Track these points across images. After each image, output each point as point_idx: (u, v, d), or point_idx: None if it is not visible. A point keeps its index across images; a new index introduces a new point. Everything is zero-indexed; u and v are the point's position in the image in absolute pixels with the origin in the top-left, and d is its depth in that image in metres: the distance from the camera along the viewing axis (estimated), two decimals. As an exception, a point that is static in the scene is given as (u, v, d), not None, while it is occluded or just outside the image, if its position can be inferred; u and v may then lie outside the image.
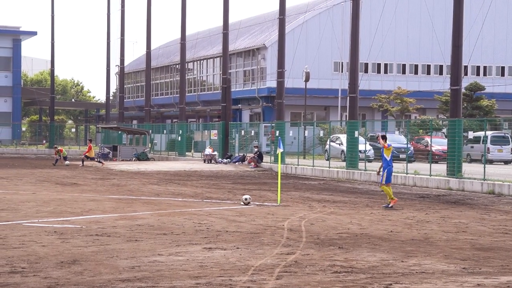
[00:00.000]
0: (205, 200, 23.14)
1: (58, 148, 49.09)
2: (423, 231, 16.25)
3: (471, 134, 42.55)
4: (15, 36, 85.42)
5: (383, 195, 26.74)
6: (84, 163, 46.02)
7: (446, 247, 13.89)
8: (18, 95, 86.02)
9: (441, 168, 33.13)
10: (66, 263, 11.51)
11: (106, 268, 11.12)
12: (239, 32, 78.21)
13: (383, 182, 21.83)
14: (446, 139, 34.75)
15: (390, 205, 21.55)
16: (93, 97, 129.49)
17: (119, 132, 66.72)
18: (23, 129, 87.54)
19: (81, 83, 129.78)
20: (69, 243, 13.50)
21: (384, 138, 22.53)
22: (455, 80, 32.04)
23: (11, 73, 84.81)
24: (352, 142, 37.80)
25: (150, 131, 61.86)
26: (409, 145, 38.82)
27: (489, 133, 42.94)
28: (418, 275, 10.97)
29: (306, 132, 49.50)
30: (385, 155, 22.07)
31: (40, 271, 10.83)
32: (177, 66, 76.08)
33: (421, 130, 48.61)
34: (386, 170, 21.75)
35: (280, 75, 46.32)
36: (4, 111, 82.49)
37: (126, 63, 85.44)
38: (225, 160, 48.16)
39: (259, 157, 44.97)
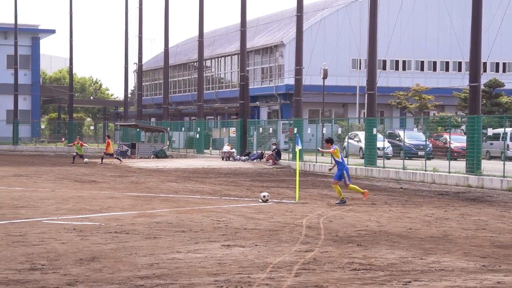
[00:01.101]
0: (223, 198, 23.16)
1: (80, 141, 48.68)
2: (442, 228, 16.18)
3: (490, 131, 42.36)
4: (34, 35, 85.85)
5: (402, 192, 26.68)
6: (103, 160, 46.10)
7: (466, 244, 13.83)
8: (37, 93, 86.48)
9: (460, 165, 32.99)
10: (85, 260, 11.55)
11: (125, 265, 11.15)
12: (257, 30, 78.19)
13: (348, 182, 21.73)
14: (465, 136, 34.60)
15: (364, 198, 21.93)
16: (111, 95, 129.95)
17: (138, 129, 66.90)
18: (42, 127, 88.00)
19: (99, 81, 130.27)
20: (88, 240, 13.55)
21: (329, 141, 22.47)
22: (474, 76, 31.90)
23: (30, 71, 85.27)
24: (371, 139, 37.69)
25: (168, 128, 61.98)
26: (427, 142, 38.67)
27: (509, 129, 42.69)
28: (437, 273, 10.92)
29: (324, 129, 49.45)
30: (335, 157, 21.94)
31: (60, 268, 10.88)
32: (195, 63, 76.27)
33: (440, 127, 48.46)
34: (344, 171, 21.68)
35: (298, 72, 46.32)
36: (24, 109, 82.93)
37: (144, 61, 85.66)
38: (243, 158, 48.19)
39: (277, 154, 44.96)
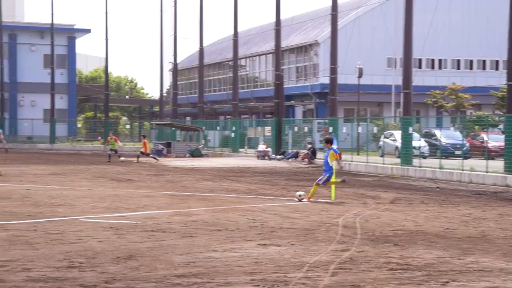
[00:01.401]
0: (259, 197, 23.14)
1: (114, 136, 48.69)
2: (480, 228, 16.03)
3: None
4: (70, 34, 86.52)
5: (439, 191, 26.50)
6: (139, 159, 46.26)
7: (504, 244, 13.68)
8: (74, 92, 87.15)
9: (498, 164, 32.66)
10: (122, 258, 11.61)
11: (162, 264, 11.19)
12: (292, 28, 78.13)
13: (321, 184, 21.45)
14: (503, 135, 34.26)
15: (303, 200, 21.38)
16: (146, 94, 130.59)
17: (173, 128, 67.16)
18: (79, 125, 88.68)
19: (134, 80, 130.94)
20: (125, 239, 13.61)
21: (329, 141, 22.01)
22: (512, 75, 31.57)
23: (67, 71, 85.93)
24: (407, 139, 37.48)
25: (204, 127, 62.13)
26: (464, 142, 38.37)
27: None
28: (475, 273, 10.82)
29: (360, 128, 49.28)
30: (328, 160, 21.64)
31: (97, 266, 10.95)
32: (230, 62, 76.35)
33: (477, 126, 48.04)
34: (328, 174, 21.42)
35: (333, 71, 46.22)
36: (60, 108, 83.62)
37: (179, 60, 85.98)
38: (278, 157, 48.17)
39: (313, 153, 44.87)
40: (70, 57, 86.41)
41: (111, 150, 47.85)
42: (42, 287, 9.63)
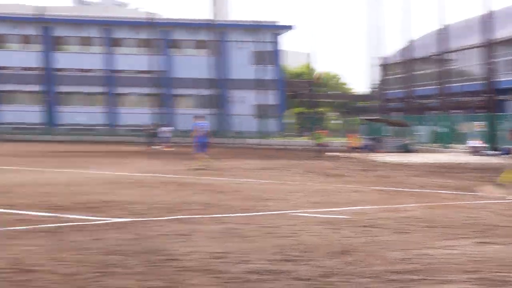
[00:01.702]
0: (472, 193, 22.44)
1: (320, 131, 49.04)
2: None
3: None
4: (275, 31, 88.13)
5: None
6: (348, 154, 46.28)
7: None
8: (281, 88, 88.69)
9: None
10: (335, 253, 11.59)
11: (377, 260, 11.05)
12: (503, 20, 75.30)
13: None
14: None
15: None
16: (351, 89, 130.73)
17: (381, 124, 66.78)
18: (288, 121, 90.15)
19: (338, 75, 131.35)
20: (338, 234, 13.59)
21: None
22: None
23: (273, 67, 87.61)
24: None
25: (413, 122, 61.25)
26: None
27: None
28: None
29: None
30: None
31: (311, 260, 10.98)
32: (439, 56, 74.82)
33: None
34: None
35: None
36: (269, 104, 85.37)
37: (386, 55, 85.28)
38: (491, 152, 46.64)
39: (529, 149, 43.07)
40: (276, 53, 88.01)
41: (318, 144, 48.26)
42: (258, 279, 9.78)
